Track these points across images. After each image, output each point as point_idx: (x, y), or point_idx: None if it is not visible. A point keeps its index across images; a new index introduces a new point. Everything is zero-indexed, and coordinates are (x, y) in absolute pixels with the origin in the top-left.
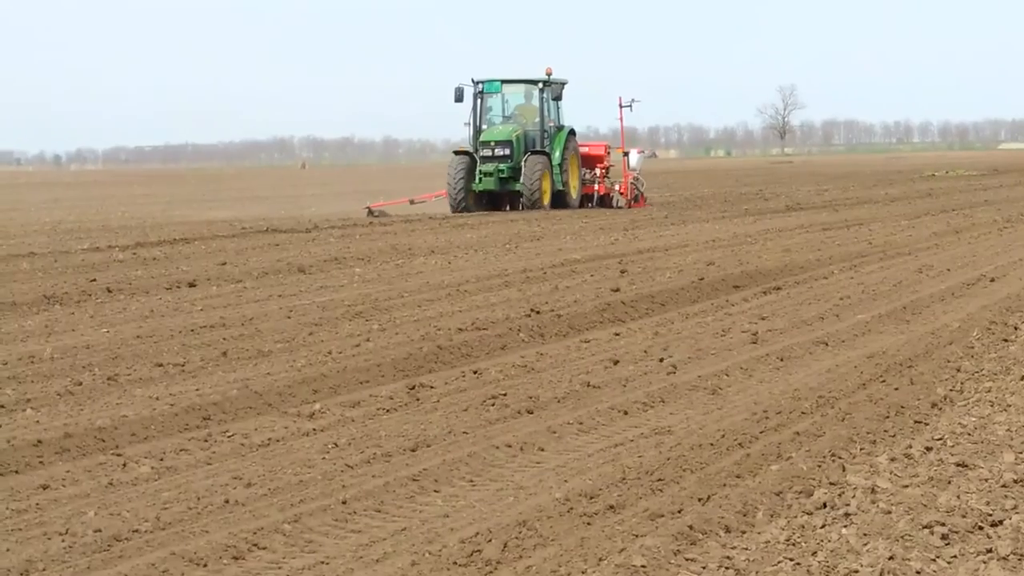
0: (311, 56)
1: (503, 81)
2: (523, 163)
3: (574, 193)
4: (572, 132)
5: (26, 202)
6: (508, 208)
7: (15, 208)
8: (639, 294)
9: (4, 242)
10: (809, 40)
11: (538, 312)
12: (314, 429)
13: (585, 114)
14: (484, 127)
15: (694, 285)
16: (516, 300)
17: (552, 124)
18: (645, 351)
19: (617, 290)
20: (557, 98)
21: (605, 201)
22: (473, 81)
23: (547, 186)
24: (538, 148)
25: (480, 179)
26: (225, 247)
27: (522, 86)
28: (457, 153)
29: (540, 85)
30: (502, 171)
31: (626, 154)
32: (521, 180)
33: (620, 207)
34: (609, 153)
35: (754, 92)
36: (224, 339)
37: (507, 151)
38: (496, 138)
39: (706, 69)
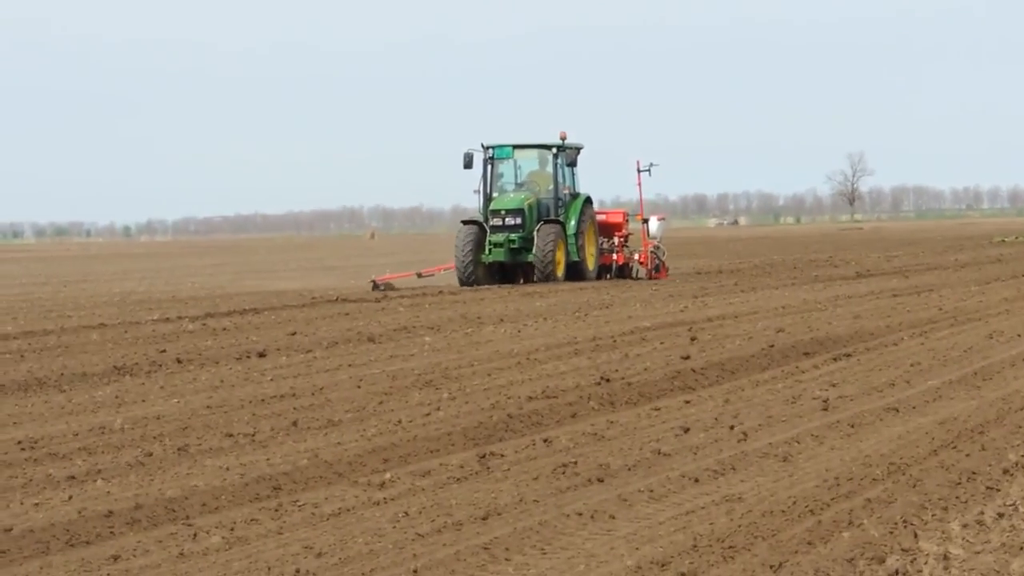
0: (380, 126)
1: (515, 146)
2: (535, 232)
3: (591, 263)
4: (588, 200)
5: (96, 273)
6: (522, 280)
7: (85, 279)
8: (709, 361)
9: (75, 313)
10: (877, 106)
11: (608, 380)
12: (384, 499)
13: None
14: (495, 195)
15: (764, 352)
16: (586, 368)
17: (567, 191)
18: (716, 419)
19: (687, 357)
20: (572, 164)
21: (624, 271)
22: (483, 146)
23: (561, 257)
24: (551, 217)
25: (490, 250)
26: (295, 317)
27: (535, 151)
28: (466, 223)
29: (554, 150)
30: (513, 241)
31: (645, 221)
32: (533, 251)
33: (640, 278)
34: (628, 221)
35: (823, 159)
36: (294, 409)
37: (519, 220)
38: (507, 206)
39: (775, 135)
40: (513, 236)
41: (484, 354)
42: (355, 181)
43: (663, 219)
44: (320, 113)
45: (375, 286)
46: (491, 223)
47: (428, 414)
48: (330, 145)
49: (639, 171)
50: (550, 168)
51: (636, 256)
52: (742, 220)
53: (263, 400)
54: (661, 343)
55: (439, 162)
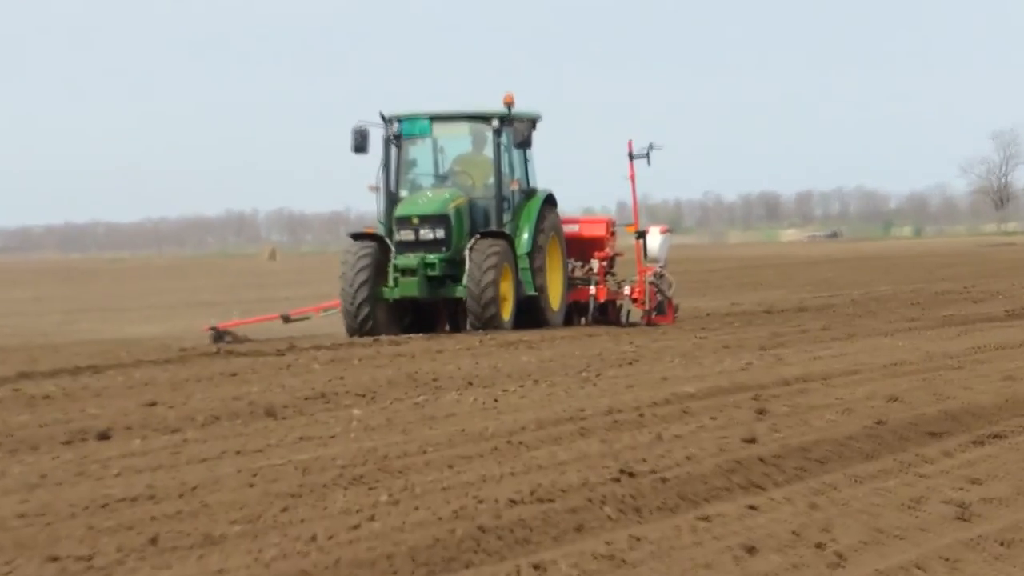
0: (280, 94)
1: (433, 117)
2: (468, 252)
3: (556, 300)
4: (551, 200)
5: None
6: (447, 327)
7: None
8: (785, 447)
9: None
10: None
11: (632, 475)
12: None
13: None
14: (403, 193)
15: (868, 432)
16: (598, 457)
17: (517, 187)
18: (795, 533)
19: (752, 440)
20: (524, 144)
21: (609, 312)
22: (384, 118)
23: (508, 290)
24: (493, 227)
25: (395, 280)
26: (155, 378)
27: (465, 125)
28: (357, 237)
29: (495, 123)
30: (432, 266)
31: (641, 235)
32: (464, 281)
33: (631, 324)
34: (614, 234)
35: (956, 141)
36: (153, 518)
37: (441, 232)
38: (422, 211)
39: (883, 108)
40: (432, 258)
41: (443, 435)
42: (246, 176)
43: (667, 232)
44: (189, 73)
45: (216, 335)
46: (398, 237)
47: (358, 527)
48: (206, 123)
49: (632, 157)
50: (489, 151)
51: (627, 289)
52: (842, 231)
53: (105, 505)
54: (712, 418)
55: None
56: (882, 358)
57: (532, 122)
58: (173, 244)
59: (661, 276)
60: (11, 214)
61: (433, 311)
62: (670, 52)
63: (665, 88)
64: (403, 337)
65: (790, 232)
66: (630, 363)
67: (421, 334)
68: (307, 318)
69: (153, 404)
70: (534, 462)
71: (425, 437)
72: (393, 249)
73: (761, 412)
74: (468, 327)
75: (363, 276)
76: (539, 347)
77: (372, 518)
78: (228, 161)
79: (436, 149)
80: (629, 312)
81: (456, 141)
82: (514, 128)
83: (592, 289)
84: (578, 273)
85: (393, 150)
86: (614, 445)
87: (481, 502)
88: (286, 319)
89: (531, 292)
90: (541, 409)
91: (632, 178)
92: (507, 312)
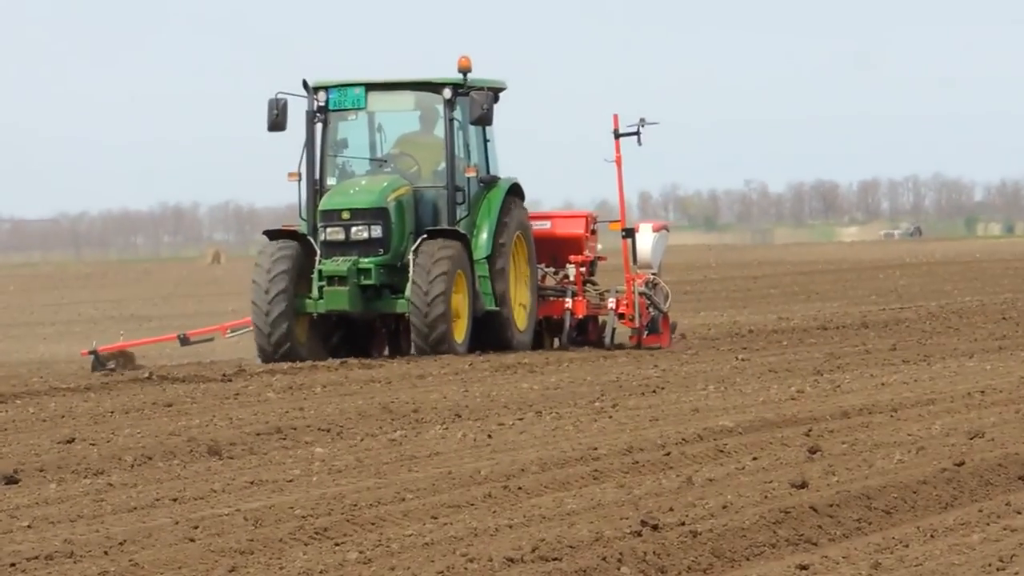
0: (225, 59)
1: (369, 86)
2: (412, 256)
3: (522, 317)
4: (516, 191)
5: None
6: (386, 350)
7: None
8: (843, 493)
9: None
10: None
11: (656, 527)
12: None
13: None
14: (331, 181)
15: (946, 476)
16: (615, 505)
17: (475, 175)
18: None
19: (803, 486)
20: (481, 120)
21: (590, 331)
22: (308, 88)
23: (461, 304)
24: (443, 224)
25: (320, 291)
26: (73, 409)
27: (408, 96)
28: (274, 235)
29: (446, 93)
30: (366, 273)
31: (628, 234)
32: (407, 292)
33: (616, 346)
34: (595, 232)
35: None
36: None
37: (378, 230)
38: (353, 204)
39: (966, 84)
40: (366, 262)
41: (425, 479)
42: (183, 163)
43: (662, 230)
44: (109, 40)
45: (96, 361)
46: (323, 236)
47: None
48: (136, 100)
49: (617, 135)
50: (439, 129)
51: (612, 302)
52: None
53: (13, 564)
54: (754, 459)
55: None
56: (964, 385)
57: (494, 92)
58: (95, 245)
59: (655, 285)
60: None
61: (368, 329)
62: (695, 2)
63: (688, 54)
64: (375, 360)
65: (851, 230)
66: (654, 391)
67: (354, 358)
68: (210, 339)
69: (71, 441)
70: (536, 512)
71: (403, 481)
72: (319, 251)
73: (814, 451)
74: (413, 348)
75: (280, 285)
76: (542, 371)
77: None
78: (161, 146)
79: (373, 126)
80: (614, 331)
81: (398, 117)
82: (471, 100)
83: (568, 302)
84: (550, 282)
85: (318, 127)
86: (634, 491)
87: (471, 560)
88: (184, 340)
89: (491, 307)
90: (545, 447)
91: (618, 161)
92: (460, 332)
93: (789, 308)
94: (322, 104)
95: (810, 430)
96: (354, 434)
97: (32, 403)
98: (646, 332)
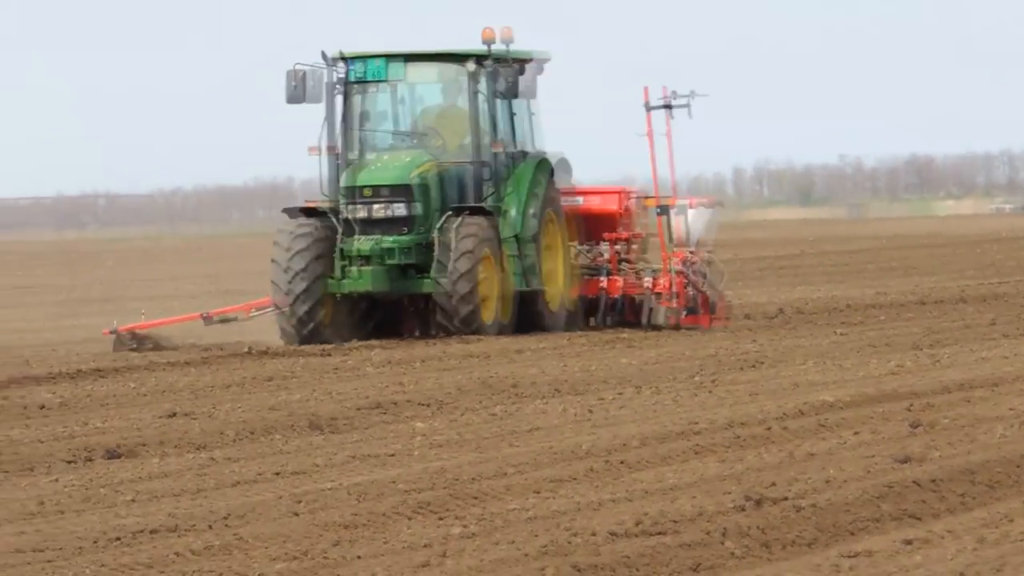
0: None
1: (391, 57)
2: (436, 233)
3: (556, 296)
4: (546, 165)
5: None
6: (416, 332)
7: None
8: (946, 468)
9: None
10: None
11: (759, 502)
12: None
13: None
14: (353, 156)
15: None
16: (717, 480)
17: (500, 149)
18: (961, 575)
19: (906, 460)
20: (511, 92)
21: (627, 311)
22: (326, 58)
23: (493, 285)
24: (472, 201)
25: (343, 271)
26: (174, 384)
27: (434, 67)
28: (295, 214)
29: (471, 66)
30: (390, 252)
31: (664, 211)
32: (433, 271)
33: (661, 325)
34: (634, 210)
35: None
36: (177, 554)
37: (402, 208)
38: (377, 180)
39: None
40: (391, 241)
41: (527, 453)
42: (275, 137)
43: (713, 205)
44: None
45: (118, 340)
46: (347, 214)
47: (426, 565)
48: (227, 75)
49: (649, 108)
50: (465, 102)
51: (651, 281)
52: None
53: (118, 539)
54: (856, 433)
55: None
56: None
57: (521, 64)
58: (190, 220)
59: (708, 261)
60: None
61: (398, 309)
62: None
63: (783, 26)
64: (474, 336)
65: (948, 204)
66: (753, 366)
67: (383, 339)
68: (233, 319)
69: (173, 415)
70: (639, 486)
71: (504, 456)
72: (340, 230)
73: (916, 425)
74: (441, 328)
75: (300, 263)
76: (641, 345)
77: (444, 555)
78: (255, 120)
79: (397, 99)
80: (652, 311)
81: (424, 89)
82: (501, 71)
83: (603, 281)
84: (586, 260)
85: (339, 100)
86: (736, 466)
87: (575, 535)
88: (207, 319)
89: (522, 286)
90: (645, 422)
91: (650, 135)
92: (489, 312)
93: (886, 282)
94: (343, 76)
95: (911, 405)
96: (454, 409)
97: (133, 378)
98: (684, 312)
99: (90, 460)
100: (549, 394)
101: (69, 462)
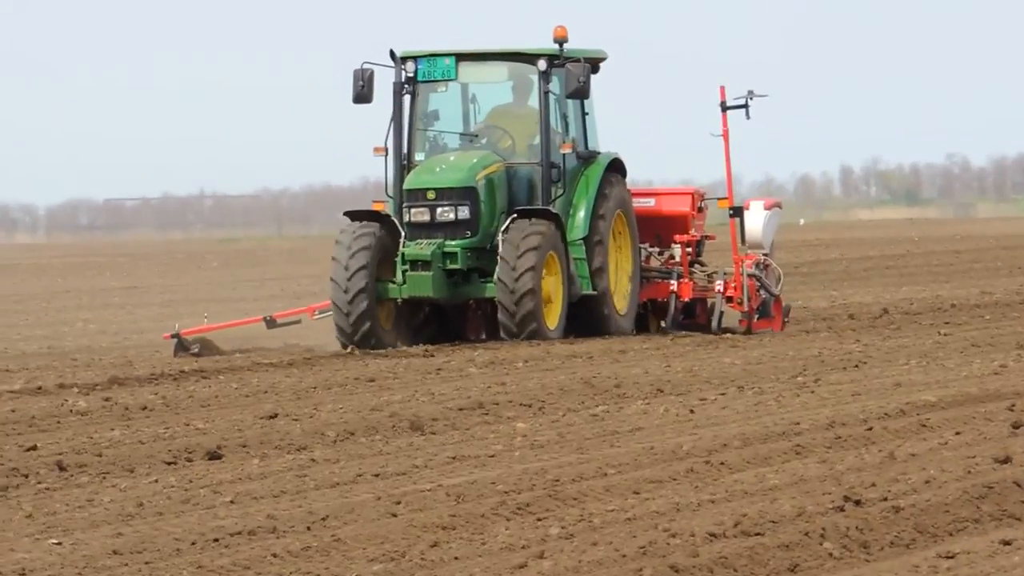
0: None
1: (460, 56)
2: (501, 237)
3: (623, 301)
4: (616, 167)
5: None
6: (483, 335)
7: None
8: None
9: None
10: None
11: (858, 503)
12: None
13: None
14: (418, 157)
15: None
16: (817, 480)
17: (571, 149)
18: None
19: (1007, 460)
20: (577, 92)
21: (697, 314)
22: (395, 57)
23: (554, 287)
24: (536, 204)
25: (404, 275)
26: (276, 385)
27: (502, 67)
28: (355, 216)
29: (541, 65)
30: (452, 257)
31: (736, 212)
32: (496, 275)
33: (722, 331)
34: (703, 210)
35: None
36: (275, 555)
37: (465, 211)
38: (439, 183)
39: None
40: (453, 245)
41: (627, 454)
42: (379, 136)
43: (775, 207)
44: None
45: (179, 344)
46: (409, 217)
47: (524, 566)
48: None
49: (724, 108)
50: (533, 101)
51: (719, 285)
52: None
53: (217, 540)
54: (957, 433)
55: None
56: None
57: (592, 63)
58: (297, 221)
59: (766, 267)
60: (100, 186)
61: (457, 315)
62: None
63: (890, 25)
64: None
65: None
66: (856, 366)
67: (445, 344)
68: (297, 321)
69: (274, 416)
70: (738, 487)
71: (605, 456)
72: (403, 233)
73: (1017, 426)
74: (502, 334)
75: (360, 262)
76: (744, 345)
77: (541, 555)
78: (361, 120)
79: (465, 98)
80: (722, 314)
81: (491, 89)
82: (567, 71)
83: (674, 284)
84: (655, 263)
85: (406, 100)
86: (836, 466)
87: (674, 536)
88: (270, 323)
89: (587, 290)
90: (747, 422)
91: (725, 135)
92: (553, 317)
93: (992, 282)
94: (410, 75)
95: (1013, 405)
96: (556, 409)
97: (235, 379)
98: (756, 316)
99: (190, 461)
100: (651, 394)
101: (169, 463)
